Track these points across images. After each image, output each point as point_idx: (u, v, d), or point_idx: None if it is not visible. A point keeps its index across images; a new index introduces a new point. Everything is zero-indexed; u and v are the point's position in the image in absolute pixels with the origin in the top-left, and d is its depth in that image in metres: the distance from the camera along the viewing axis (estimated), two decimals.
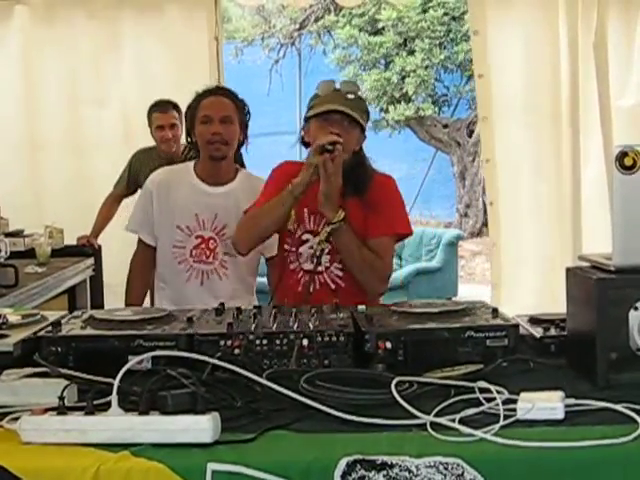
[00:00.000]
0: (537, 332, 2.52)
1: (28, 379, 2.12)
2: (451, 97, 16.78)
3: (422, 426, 1.81)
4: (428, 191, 18.28)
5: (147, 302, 5.51)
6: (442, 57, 15.96)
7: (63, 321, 2.56)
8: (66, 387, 1.92)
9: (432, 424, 1.81)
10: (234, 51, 16.80)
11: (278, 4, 12.60)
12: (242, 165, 4.19)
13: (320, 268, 3.37)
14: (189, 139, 3.95)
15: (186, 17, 6.72)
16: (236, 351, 2.31)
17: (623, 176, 2.11)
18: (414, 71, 15.89)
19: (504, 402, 1.87)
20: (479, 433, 1.75)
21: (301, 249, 3.41)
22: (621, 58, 6.42)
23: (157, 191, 3.91)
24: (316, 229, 3.38)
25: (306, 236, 3.41)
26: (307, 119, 3.40)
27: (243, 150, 3.99)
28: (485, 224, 15.26)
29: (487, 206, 6.82)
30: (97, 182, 6.61)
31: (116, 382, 1.83)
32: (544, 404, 1.86)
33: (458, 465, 1.66)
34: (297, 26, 17.09)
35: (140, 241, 3.99)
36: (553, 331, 2.51)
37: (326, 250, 3.35)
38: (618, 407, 1.89)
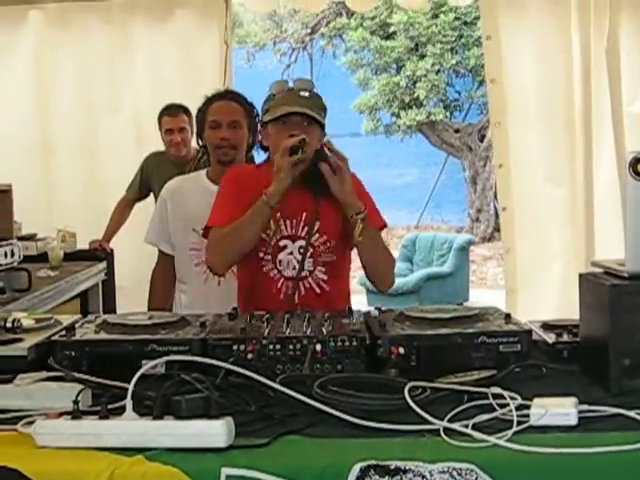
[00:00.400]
0: (550, 338, 2.52)
1: (42, 383, 2.13)
2: (462, 102, 16.78)
3: (435, 432, 1.81)
4: (439, 196, 18.30)
5: None
6: (453, 62, 15.97)
7: (77, 325, 2.57)
8: (81, 391, 1.93)
9: (445, 430, 1.81)
10: (246, 56, 16.84)
11: (289, 9, 12.61)
12: None
13: (304, 273, 3.25)
14: (200, 143, 3.98)
15: (198, 22, 6.73)
16: (249, 356, 2.31)
17: (636, 182, 2.11)
18: (425, 75, 15.90)
19: (517, 408, 1.88)
20: (492, 439, 1.75)
21: (280, 256, 3.25)
22: (633, 64, 6.40)
23: (171, 198, 3.95)
24: (294, 234, 3.25)
25: (284, 242, 3.26)
26: (264, 123, 3.31)
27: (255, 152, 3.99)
28: (496, 229, 15.27)
29: (499, 211, 6.80)
30: (109, 186, 6.62)
31: (131, 386, 1.83)
32: (557, 410, 1.86)
33: (471, 471, 1.67)
34: (308, 30, 17.12)
35: (160, 252, 4.05)
36: (566, 337, 2.51)
37: (308, 254, 3.25)
38: (631, 413, 1.89)
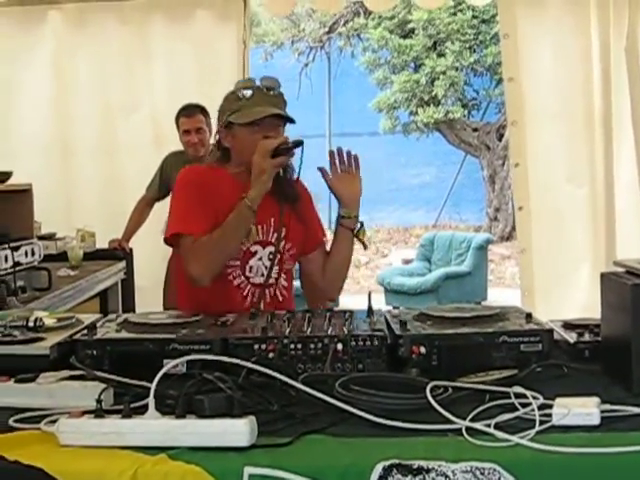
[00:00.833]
0: (571, 337, 2.51)
1: (65, 382, 2.14)
2: (480, 100, 16.75)
3: (458, 431, 1.81)
4: (457, 195, 18.27)
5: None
6: (472, 60, 15.94)
7: (98, 324, 2.58)
8: (104, 390, 1.93)
9: (468, 429, 1.81)
10: (263, 55, 16.85)
11: (307, 8, 12.62)
12: None
13: (271, 280, 3.19)
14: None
15: (216, 22, 6.75)
16: (270, 355, 2.32)
17: None
18: (444, 73, 15.87)
19: (539, 407, 1.87)
20: (515, 438, 1.75)
21: (251, 262, 3.17)
22: None
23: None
24: (265, 239, 3.18)
25: (255, 248, 3.17)
26: (230, 124, 3.18)
27: None
28: (515, 228, 15.23)
29: (516, 211, 6.77)
30: (129, 186, 6.65)
31: (153, 385, 1.84)
32: (580, 410, 1.85)
33: (494, 470, 1.66)
34: (326, 29, 17.12)
35: None
36: (587, 336, 2.50)
37: (275, 261, 3.20)
38: None
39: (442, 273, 11.69)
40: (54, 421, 1.86)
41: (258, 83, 3.20)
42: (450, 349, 2.33)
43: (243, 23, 6.69)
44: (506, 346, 2.34)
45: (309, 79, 17.43)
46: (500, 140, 16.04)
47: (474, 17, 15.87)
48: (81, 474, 1.72)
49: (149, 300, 6.03)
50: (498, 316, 2.55)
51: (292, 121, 3.20)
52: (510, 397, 1.96)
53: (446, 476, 1.67)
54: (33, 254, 4.54)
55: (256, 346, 2.33)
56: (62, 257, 5.65)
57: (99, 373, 2.23)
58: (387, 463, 1.68)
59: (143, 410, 1.84)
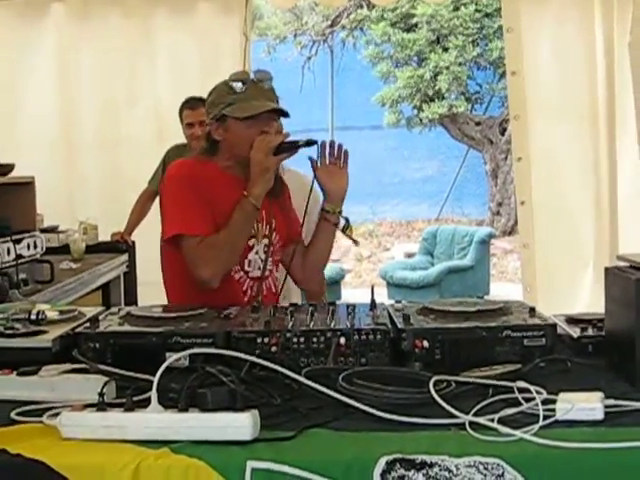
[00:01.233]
0: (574, 332, 2.51)
1: (67, 375, 2.13)
2: (484, 94, 16.74)
3: (461, 425, 1.81)
4: (460, 189, 18.28)
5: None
6: (475, 54, 15.92)
7: (101, 317, 2.58)
8: (106, 383, 1.93)
9: (471, 424, 1.80)
10: (266, 48, 16.84)
11: (310, 1, 12.61)
12: None
13: (266, 272, 3.21)
14: None
15: (218, 15, 6.75)
16: (273, 349, 2.31)
17: None
18: (447, 67, 15.86)
19: (543, 402, 1.86)
20: (518, 433, 1.74)
21: (250, 256, 3.16)
22: None
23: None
24: (255, 233, 3.16)
25: (252, 242, 3.16)
26: (223, 117, 3.11)
27: None
28: (517, 222, 15.23)
29: (518, 205, 6.76)
30: (131, 179, 6.64)
31: (156, 379, 1.83)
32: (583, 405, 1.85)
33: (498, 465, 1.66)
34: (329, 23, 17.10)
35: None
36: (591, 331, 2.50)
37: (270, 252, 3.21)
38: None
39: (444, 267, 11.69)
40: (56, 414, 1.86)
41: (252, 76, 3.16)
42: (453, 343, 2.33)
43: (245, 16, 6.68)
44: (509, 340, 2.34)
45: (312, 72, 17.43)
46: (503, 134, 16.03)
47: (477, 11, 15.85)
48: (83, 468, 1.72)
49: (152, 293, 6.01)
50: (501, 310, 2.54)
51: (287, 115, 3.18)
52: (514, 392, 1.95)
53: (449, 471, 1.67)
54: (35, 247, 4.54)
55: (259, 340, 2.32)
56: (64, 250, 5.66)
57: (101, 366, 2.23)
58: (390, 457, 1.68)
59: (146, 403, 1.83)
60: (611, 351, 2.31)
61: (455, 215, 18.07)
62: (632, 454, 1.69)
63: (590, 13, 6.40)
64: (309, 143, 3.11)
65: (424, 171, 19.42)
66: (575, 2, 6.47)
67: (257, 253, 3.19)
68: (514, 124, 6.69)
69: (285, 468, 1.67)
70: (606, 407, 1.86)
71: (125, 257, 6.11)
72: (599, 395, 1.88)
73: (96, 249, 5.98)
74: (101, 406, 1.83)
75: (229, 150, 3.15)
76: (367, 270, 15.87)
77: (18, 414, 1.95)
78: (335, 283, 10.88)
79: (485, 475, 1.66)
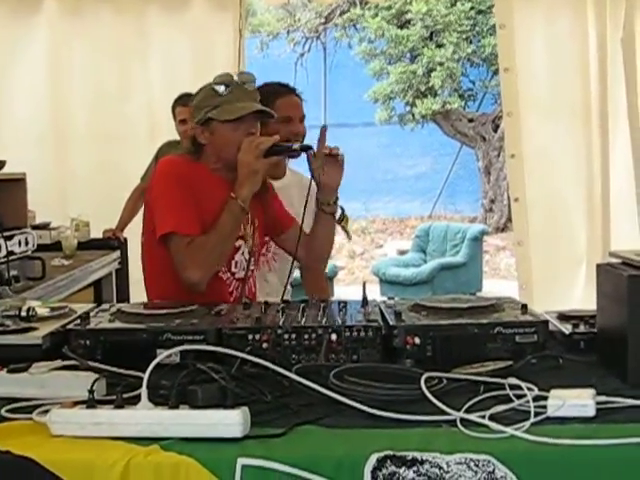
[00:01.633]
0: (566, 328, 2.50)
1: (57, 372, 2.12)
2: (477, 91, 16.75)
3: (452, 422, 1.80)
4: (453, 186, 18.30)
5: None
6: (469, 51, 15.93)
7: (91, 314, 2.57)
8: (96, 380, 1.92)
9: (462, 420, 1.80)
10: (259, 45, 16.85)
11: None
12: None
13: (249, 272, 3.22)
14: None
15: (211, 11, 6.74)
16: (264, 345, 2.30)
17: None
18: (441, 64, 15.86)
19: (534, 399, 1.86)
20: (509, 430, 1.74)
21: (236, 257, 3.17)
22: None
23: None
24: (242, 234, 3.17)
25: (239, 243, 3.16)
26: (208, 120, 3.11)
27: None
28: (510, 219, 15.23)
29: (511, 202, 6.76)
30: (123, 175, 6.63)
31: (146, 376, 1.83)
32: (575, 401, 1.84)
33: (489, 462, 1.65)
34: (322, 20, 17.10)
35: None
36: (582, 327, 2.49)
37: (253, 252, 3.22)
38: None
39: (437, 264, 11.70)
40: (46, 411, 1.85)
41: (236, 78, 3.15)
42: (445, 340, 2.32)
43: (239, 12, 6.68)
44: (501, 337, 2.33)
45: (305, 69, 17.43)
46: (496, 131, 16.05)
47: (471, 8, 15.86)
48: (73, 465, 1.71)
49: (144, 290, 6.01)
50: (493, 307, 2.53)
51: (272, 116, 3.18)
52: (505, 388, 1.95)
53: (440, 467, 1.66)
54: (27, 243, 4.53)
55: (250, 336, 2.31)
56: (56, 246, 5.64)
57: (92, 363, 2.22)
58: (381, 454, 1.67)
59: (136, 400, 1.83)
60: (603, 348, 2.30)
61: (448, 212, 18.09)
62: (624, 451, 1.68)
63: (583, 9, 6.40)
64: (304, 149, 3.11)
65: (417, 168, 19.42)
66: None
67: (243, 254, 3.20)
68: (507, 121, 6.69)
69: (276, 465, 1.67)
70: (598, 404, 1.85)
71: (117, 254, 6.09)
72: (591, 392, 1.88)
73: (88, 246, 5.96)
74: (91, 403, 1.82)
75: (215, 153, 3.14)
76: (360, 267, 15.88)
77: (8, 411, 1.94)
78: (328, 280, 10.87)
79: (476, 472, 1.65)
